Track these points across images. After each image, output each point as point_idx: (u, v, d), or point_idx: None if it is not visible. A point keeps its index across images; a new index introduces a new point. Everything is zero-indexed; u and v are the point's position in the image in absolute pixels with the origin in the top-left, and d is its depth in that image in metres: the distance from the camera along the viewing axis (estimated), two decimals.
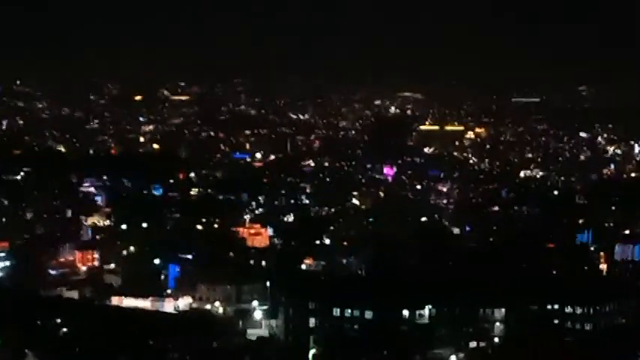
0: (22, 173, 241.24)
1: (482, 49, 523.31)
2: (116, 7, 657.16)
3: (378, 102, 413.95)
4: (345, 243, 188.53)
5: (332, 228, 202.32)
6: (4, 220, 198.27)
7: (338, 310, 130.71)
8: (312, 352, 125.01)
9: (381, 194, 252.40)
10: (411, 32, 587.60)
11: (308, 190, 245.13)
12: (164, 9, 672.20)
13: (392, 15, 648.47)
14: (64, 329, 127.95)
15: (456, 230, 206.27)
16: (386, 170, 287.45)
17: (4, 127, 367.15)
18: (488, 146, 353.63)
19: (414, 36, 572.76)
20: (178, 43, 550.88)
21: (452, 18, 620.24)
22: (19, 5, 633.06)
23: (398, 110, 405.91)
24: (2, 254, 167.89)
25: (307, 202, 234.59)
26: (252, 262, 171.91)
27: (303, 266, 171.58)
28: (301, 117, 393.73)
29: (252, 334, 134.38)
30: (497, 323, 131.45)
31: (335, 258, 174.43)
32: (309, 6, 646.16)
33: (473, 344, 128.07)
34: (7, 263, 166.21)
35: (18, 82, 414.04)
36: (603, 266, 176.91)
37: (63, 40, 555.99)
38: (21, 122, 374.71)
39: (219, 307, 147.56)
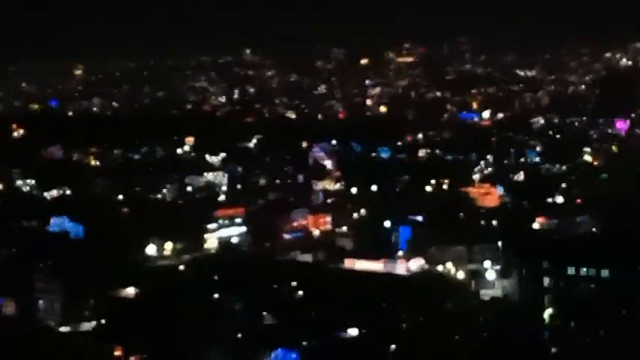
0: (254, 140, 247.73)
1: None
2: None
3: (608, 55, 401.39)
4: (577, 200, 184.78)
5: (563, 185, 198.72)
6: (239, 186, 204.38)
7: (573, 269, 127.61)
8: (547, 312, 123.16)
9: (614, 149, 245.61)
10: None
11: (538, 148, 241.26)
12: None
13: None
14: (300, 292, 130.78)
15: None
16: (619, 124, 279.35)
17: (236, 96, 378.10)
18: None
19: None
20: (398, 5, 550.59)
21: None
22: None
23: (629, 62, 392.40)
24: (239, 220, 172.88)
25: (537, 159, 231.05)
26: (482, 222, 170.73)
27: (535, 225, 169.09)
28: (528, 74, 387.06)
29: (485, 294, 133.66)
30: None
31: (568, 216, 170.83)
32: None
33: None
34: (244, 228, 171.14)
35: (247, 52, 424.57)
36: None
37: (287, 8, 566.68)
38: (251, 90, 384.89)
39: (450, 268, 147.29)
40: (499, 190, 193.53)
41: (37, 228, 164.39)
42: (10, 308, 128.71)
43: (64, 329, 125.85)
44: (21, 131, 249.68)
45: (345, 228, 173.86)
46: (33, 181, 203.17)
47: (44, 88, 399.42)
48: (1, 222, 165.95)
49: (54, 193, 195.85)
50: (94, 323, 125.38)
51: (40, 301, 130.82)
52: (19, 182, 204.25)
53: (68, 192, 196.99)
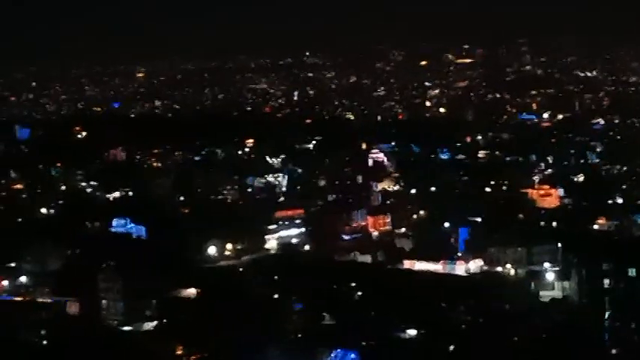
0: (313, 142, 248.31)
1: None
2: None
3: None
4: (638, 201, 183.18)
5: (624, 187, 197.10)
6: (298, 187, 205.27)
7: (633, 270, 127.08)
8: (607, 313, 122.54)
9: None
10: None
11: (598, 149, 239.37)
12: None
13: None
14: (359, 293, 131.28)
15: None
16: None
17: (295, 98, 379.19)
18: None
19: None
20: (460, 7, 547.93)
21: None
22: None
23: None
24: (298, 221, 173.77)
25: (597, 161, 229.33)
26: (542, 223, 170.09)
27: (595, 226, 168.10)
28: (589, 74, 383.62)
29: (545, 295, 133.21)
30: None
31: (628, 217, 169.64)
32: None
33: None
34: (303, 229, 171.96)
35: (307, 54, 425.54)
36: None
37: (347, 9, 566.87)
38: (311, 92, 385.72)
39: (510, 269, 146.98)
40: (559, 191, 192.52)
41: (100, 229, 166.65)
42: (74, 308, 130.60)
43: (126, 329, 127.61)
44: (84, 133, 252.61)
45: (404, 229, 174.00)
46: (96, 183, 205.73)
47: (107, 90, 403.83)
48: (65, 223, 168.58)
49: (116, 194, 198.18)
50: (155, 323, 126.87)
51: (103, 302, 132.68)
52: (82, 184, 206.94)
53: (130, 193, 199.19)
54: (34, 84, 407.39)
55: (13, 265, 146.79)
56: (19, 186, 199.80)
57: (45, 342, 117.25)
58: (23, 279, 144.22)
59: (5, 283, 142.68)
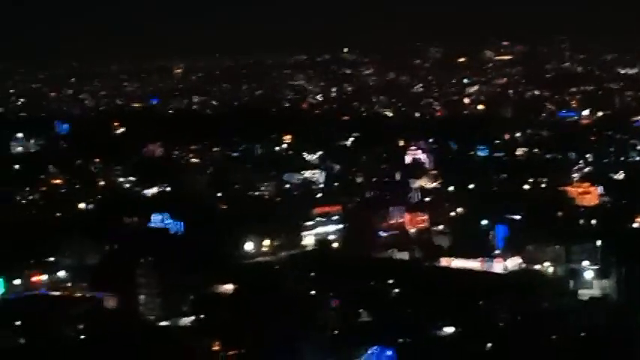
0: (351, 138, 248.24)
1: None
2: None
3: None
4: None
5: None
6: (336, 184, 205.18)
7: None
8: None
9: None
10: None
11: (638, 147, 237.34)
12: None
13: None
14: (396, 290, 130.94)
15: None
16: None
17: (333, 95, 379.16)
18: None
19: None
20: (496, 5, 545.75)
21: None
22: None
23: None
24: (336, 217, 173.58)
25: (638, 158, 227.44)
26: (581, 221, 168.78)
27: (635, 225, 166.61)
28: (629, 72, 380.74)
29: (584, 294, 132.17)
30: None
31: None
32: None
33: None
34: (340, 226, 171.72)
35: (345, 50, 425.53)
36: None
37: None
38: (349, 89, 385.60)
39: (549, 268, 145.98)
40: (599, 189, 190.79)
41: (138, 224, 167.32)
42: (111, 303, 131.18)
43: (163, 324, 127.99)
44: (122, 129, 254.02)
45: (441, 226, 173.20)
46: (134, 178, 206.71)
47: (145, 86, 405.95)
48: (104, 219, 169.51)
49: (154, 190, 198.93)
50: (192, 318, 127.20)
51: (141, 297, 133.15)
52: (120, 179, 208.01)
53: (168, 189, 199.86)
54: (73, 80, 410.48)
55: (51, 259, 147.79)
56: (58, 181, 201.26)
57: (82, 336, 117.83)
58: (61, 274, 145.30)
59: (44, 277, 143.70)
